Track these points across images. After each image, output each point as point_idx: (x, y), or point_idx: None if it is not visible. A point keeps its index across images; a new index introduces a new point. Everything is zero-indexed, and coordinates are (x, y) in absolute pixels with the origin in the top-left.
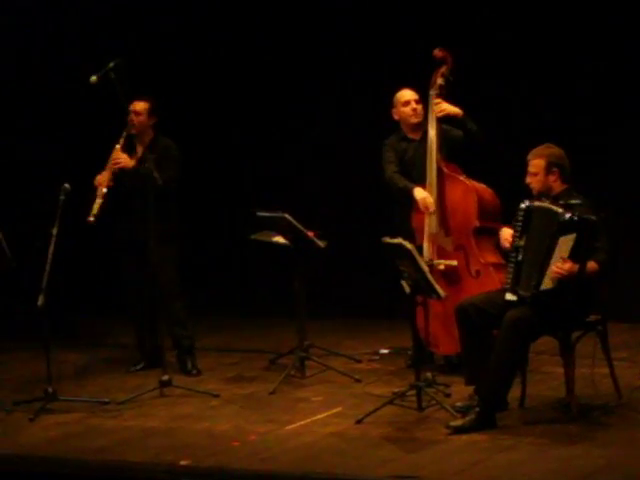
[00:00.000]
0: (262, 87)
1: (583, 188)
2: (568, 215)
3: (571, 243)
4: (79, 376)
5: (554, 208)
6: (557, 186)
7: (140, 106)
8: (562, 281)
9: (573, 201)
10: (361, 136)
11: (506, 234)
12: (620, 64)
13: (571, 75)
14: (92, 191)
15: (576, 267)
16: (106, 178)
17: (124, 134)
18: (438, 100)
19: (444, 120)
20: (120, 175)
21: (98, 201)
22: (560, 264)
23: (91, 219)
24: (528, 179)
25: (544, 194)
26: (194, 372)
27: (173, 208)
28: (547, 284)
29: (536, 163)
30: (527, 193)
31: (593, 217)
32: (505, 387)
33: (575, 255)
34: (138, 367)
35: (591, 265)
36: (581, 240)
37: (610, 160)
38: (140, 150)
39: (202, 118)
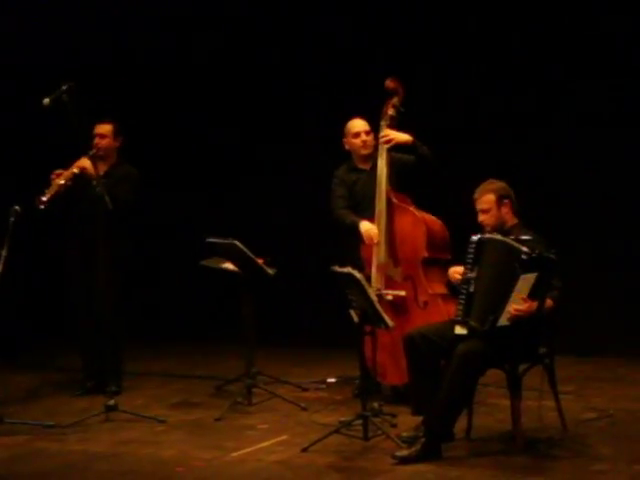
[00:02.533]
0: (216, 115)
1: (532, 223)
2: (530, 253)
3: (532, 281)
4: (25, 399)
5: (515, 245)
6: (510, 218)
7: (105, 128)
8: (518, 319)
9: (524, 237)
10: (311, 164)
11: (456, 268)
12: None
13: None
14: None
15: (534, 305)
16: (66, 174)
17: (89, 155)
18: (387, 131)
19: (395, 147)
20: (77, 189)
21: (53, 188)
22: (518, 305)
23: (43, 199)
24: (480, 217)
25: (498, 229)
26: (113, 389)
27: (124, 233)
28: (503, 321)
29: (486, 199)
30: (478, 226)
31: (552, 255)
32: (453, 419)
33: (534, 293)
34: (84, 390)
35: (547, 303)
36: (542, 279)
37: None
38: (102, 173)
39: (155, 143)
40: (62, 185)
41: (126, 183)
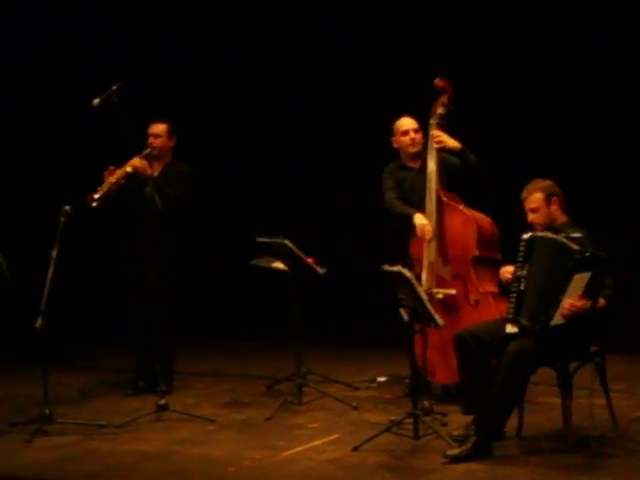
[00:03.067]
0: (262, 121)
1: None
2: (584, 253)
3: (586, 281)
4: (76, 399)
5: (567, 243)
6: (559, 216)
7: (159, 128)
8: (571, 317)
9: (575, 234)
10: (361, 163)
11: (507, 268)
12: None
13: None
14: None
15: (588, 304)
16: (119, 172)
17: (143, 154)
18: (438, 132)
19: (442, 150)
20: (130, 188)
21: (105, 185)
22: (573, 302)
23: (96, 196)
24: (530, 217)
25: (548, 227)
26: (164, 388)
27: (176, 232)
28: (557, 320)
29: (535, 198)
30: (526, 224)
31: (604, 254)
32: (504, 418)
33: (588, 292)
34: (135, 390)
35: (600, 302)
36: (595, 278)
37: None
38: (156, 172)
39: (203, 142)
40: (114, 183)
41: (178, 182)
